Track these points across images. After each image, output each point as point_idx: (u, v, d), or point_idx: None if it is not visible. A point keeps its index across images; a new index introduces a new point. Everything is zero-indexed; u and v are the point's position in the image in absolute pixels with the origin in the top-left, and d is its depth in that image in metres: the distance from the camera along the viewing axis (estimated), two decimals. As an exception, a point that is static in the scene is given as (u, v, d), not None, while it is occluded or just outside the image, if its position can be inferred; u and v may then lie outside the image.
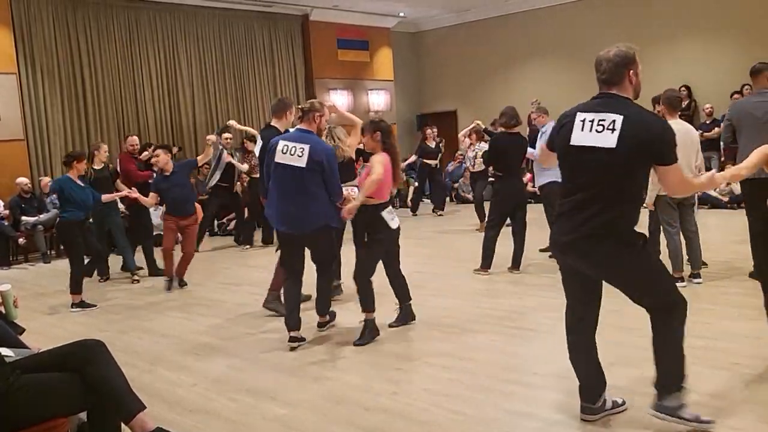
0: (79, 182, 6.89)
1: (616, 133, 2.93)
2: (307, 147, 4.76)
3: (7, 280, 5.30)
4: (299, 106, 5.28)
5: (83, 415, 2.97)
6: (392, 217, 4.95)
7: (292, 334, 4.90)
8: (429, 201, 13.64)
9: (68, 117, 11.46)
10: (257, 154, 6.10)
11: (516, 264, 7.02)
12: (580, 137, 3.04)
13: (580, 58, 13.04)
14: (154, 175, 7.90)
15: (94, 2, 11.72)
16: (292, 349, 4.88)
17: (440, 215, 12.56)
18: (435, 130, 13.21)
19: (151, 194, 7.54)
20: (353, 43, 15.71)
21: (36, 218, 10.12)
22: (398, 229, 4.98)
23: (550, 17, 15.08)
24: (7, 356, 2.94)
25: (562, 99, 13.34)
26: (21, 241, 10.01)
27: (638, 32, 12.95)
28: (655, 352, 3.11)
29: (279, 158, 4.84)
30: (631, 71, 3.04)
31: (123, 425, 2.92)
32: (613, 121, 2.95)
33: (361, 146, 6.39)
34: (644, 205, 5.76)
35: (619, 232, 3.02)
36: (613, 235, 3.01)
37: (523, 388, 3.88)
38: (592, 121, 3.00)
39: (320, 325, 5.28)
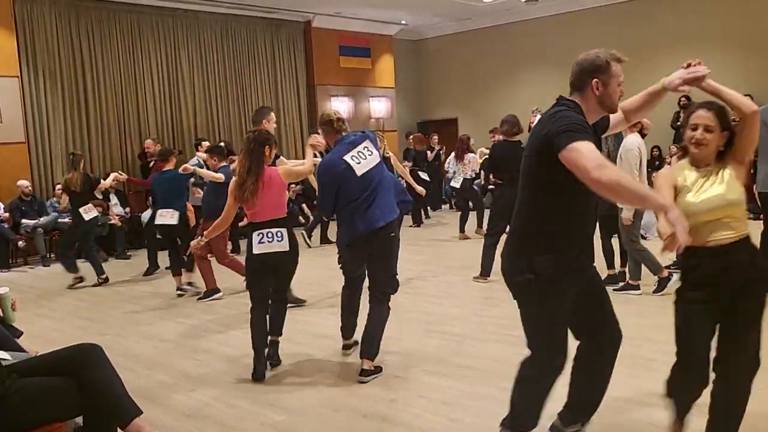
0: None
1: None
2: (367, 141, 4.39)
3: (6, 283, 5.30)
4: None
5: (79, 420, 2.96)
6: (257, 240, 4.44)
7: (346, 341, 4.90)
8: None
9: (70, 120, 11.47)
10: None
11: (515, 272, 7.00)
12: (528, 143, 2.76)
13: (581, 66, 13.10)
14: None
15: (97, 6, 11.76)
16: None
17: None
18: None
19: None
20: (355, 50, 15.75)
21: (36, 221, 10.13)
22: (265, 254, 4.46)
23: (551, 26, 15.12)
24: (4, 359, 2.94)
25: (562, 107, 13.46)
26: (21, 243, 10.00)
27: (639, 42, 13.02)
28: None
29: (359, 170, 4.30)
30: (596, 80, 2.61)
31: (119, 430, 2.91)
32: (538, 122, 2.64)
33: None
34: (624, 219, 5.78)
35: (530, 253, 2.65)
36: (522, 253, 2.69)
37: (522, 397, 3.86)
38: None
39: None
